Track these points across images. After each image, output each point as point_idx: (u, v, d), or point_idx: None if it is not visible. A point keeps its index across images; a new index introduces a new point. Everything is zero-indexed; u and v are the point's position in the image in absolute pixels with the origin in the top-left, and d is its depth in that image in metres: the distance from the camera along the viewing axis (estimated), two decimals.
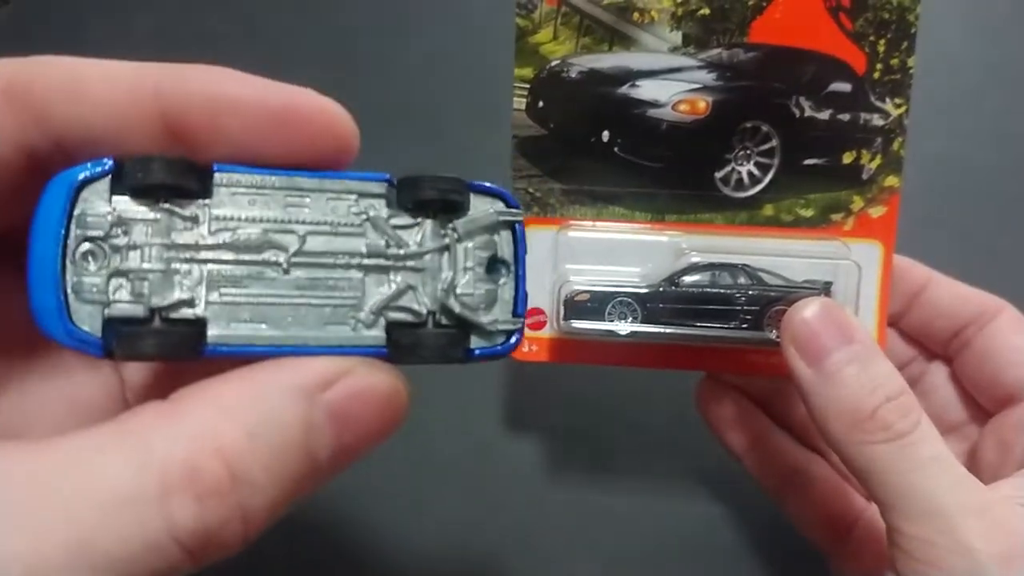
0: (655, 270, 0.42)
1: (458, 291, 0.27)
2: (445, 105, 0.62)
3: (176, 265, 0.25)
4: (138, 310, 0.24)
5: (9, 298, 0.27)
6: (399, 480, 0.54)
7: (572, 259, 0.43)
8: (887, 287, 0.42)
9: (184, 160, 0.25)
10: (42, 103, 0.25)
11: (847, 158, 0.42)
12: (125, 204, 0.25)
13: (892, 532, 0.34)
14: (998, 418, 0.42)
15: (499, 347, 0.28)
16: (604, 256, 0.43)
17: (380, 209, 0.27)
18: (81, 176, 0.24)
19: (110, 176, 0.24)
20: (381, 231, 0.27)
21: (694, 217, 0.43)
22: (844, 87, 0.42)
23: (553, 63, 0.43)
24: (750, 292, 0.41)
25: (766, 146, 0.42)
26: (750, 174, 0.42)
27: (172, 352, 0.24)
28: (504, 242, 0.28)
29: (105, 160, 0.24)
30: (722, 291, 0.41)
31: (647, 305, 0.41)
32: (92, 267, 0.24)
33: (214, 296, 0.25)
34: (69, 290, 0.24)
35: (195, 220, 0.25)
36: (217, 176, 0.25)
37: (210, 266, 0.25)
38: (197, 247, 0.25)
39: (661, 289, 0.42)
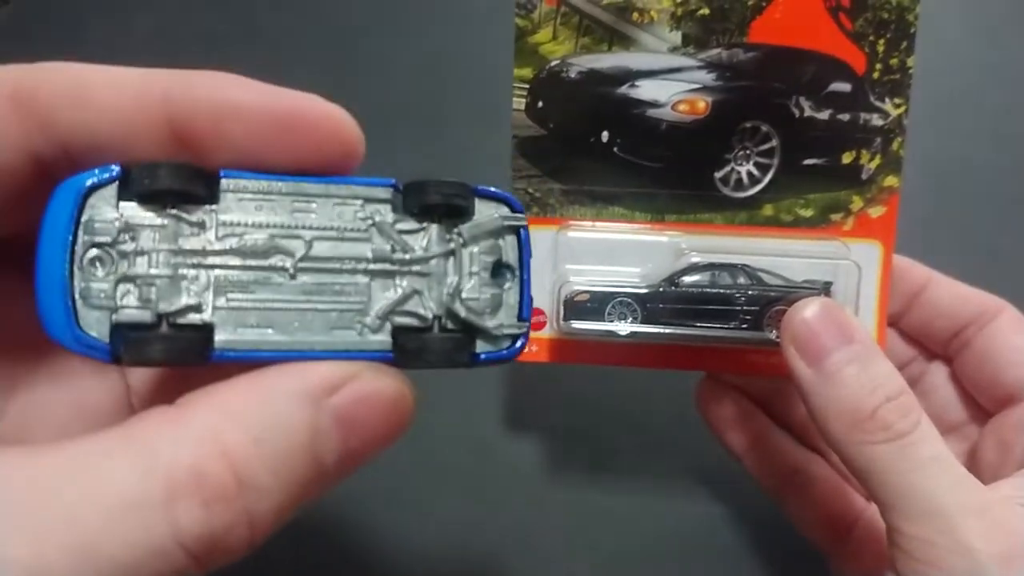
0: (655, 270, 0.42)
1: (463, 296, 0.27)
2: (445, 105, 0.62)
3: (183, 271, 0.25)
4: (145, 315, 0.24)
5: (17, 304, 0.27)
6: (399, 480, 0.54)
7: (572, 259, 0.43)
8: (887, 287, 0.42)
9: (191, 166, 0.25)
10: (48, 109, 0.25)
11: (847, 158, 0.42)
12: (132, 210, 0.25)
13: (892, 532, 0.34)
14: (998, 418, 0.42)
15: (505, 351, 0.28)
16: (604, 256, 0.43)
17: (386, 214, 0.27)
18: (88, 182, 0.24)
19: (117, 182, 0.25)
20: (387, 236, 0.27)
21: (694, 217, 0.43)
22: (844, 87, 0.42)
23: (553, 63, 0.43)
24: (750, 292, 0.41)
25: (766, 146, 0.42)
26: (750, 174, 0.42)
27: (179, 357, 0.25)
28: (509, 247, 0.28)
29: (112, 166, 0.24)
30: (722, 291, 0.41)
31: (647, 305, 0.41)
32: (100, 273, 0.24)
33: (221, 301, 0.25)
34: (77, 296, 0.24)
35: (202, 226, 0.25)
36: (224, 182, 0.25)
37: (217, 271, 0.25)
38: (204, 252, 0.25)
39: (661, 289, 0.42)
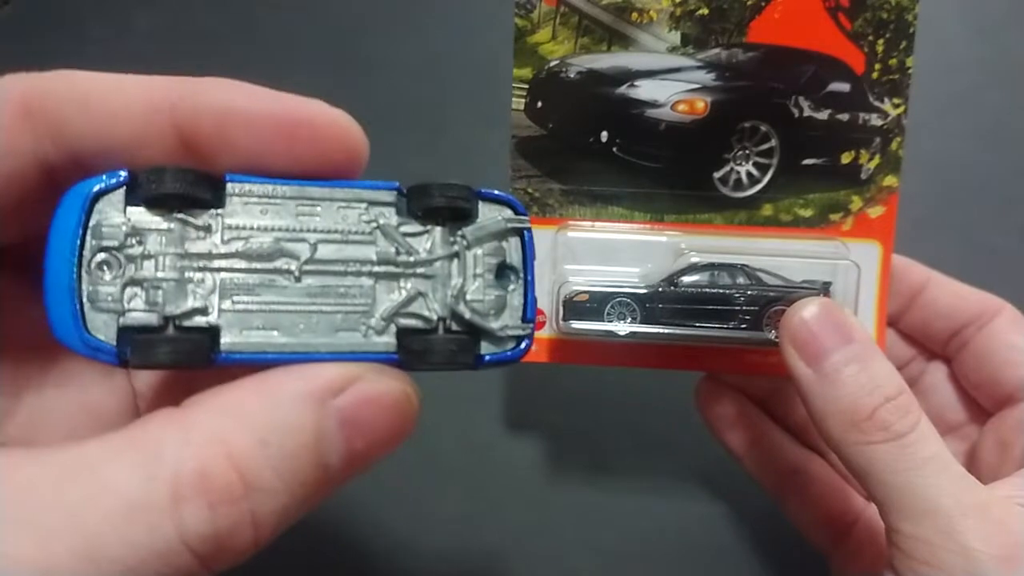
0: (654, 270, 0.43)
1: (468, 297, 0.28)
2: (444, 105, 0.62)
3: (190, 274, 0.25)
4: (152, 318, 0.25)
5: (26, 308, 0.27)
6: (399, 480, 0.54)
7: (571, 259, 0.43)
8: (886, 287, 0.42)
9: (196, 171, 0.25)
10: (57, 117, 0.25)
11: (846, 158, 0.42)
12: (139, 215, 0.25)
13: (891, 532, 0.34)
14: (997, 418, 0.42)
15: (509, 353, 0.28)
16: (603, 256, 0.43)
17: (390, 217, 0.27)
18: (96, 188, 0.24)
19: (124, 187, 0.25)
20: (391, 239, 0.27)
21: (693, 217, 0.43)
22: (843, 87, 0.42)
23: (552, 63, 0.43)
24: (749, 292, 0.41)
25: (765, 146, 0.42)
26: (749, 174, 0.42)
27: (185, 359, 0.25)
28: (513, 249, 0.29)
29: (120, 172, 0.25)
30: (721, 291, 0.41)
31: (646, 305, 0.41)
32: (107, 276, 0.25)
33: (227, 304, 0.25)
34: (84, 299, 0.24)
35: (208, 229, 0.26)
36: (229, 186, 0.26)
37: (223, 274, 0.26)
38: (210, 256, 0.25)
39: (660, 289, 0.42)
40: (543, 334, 0.43)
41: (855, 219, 0.42)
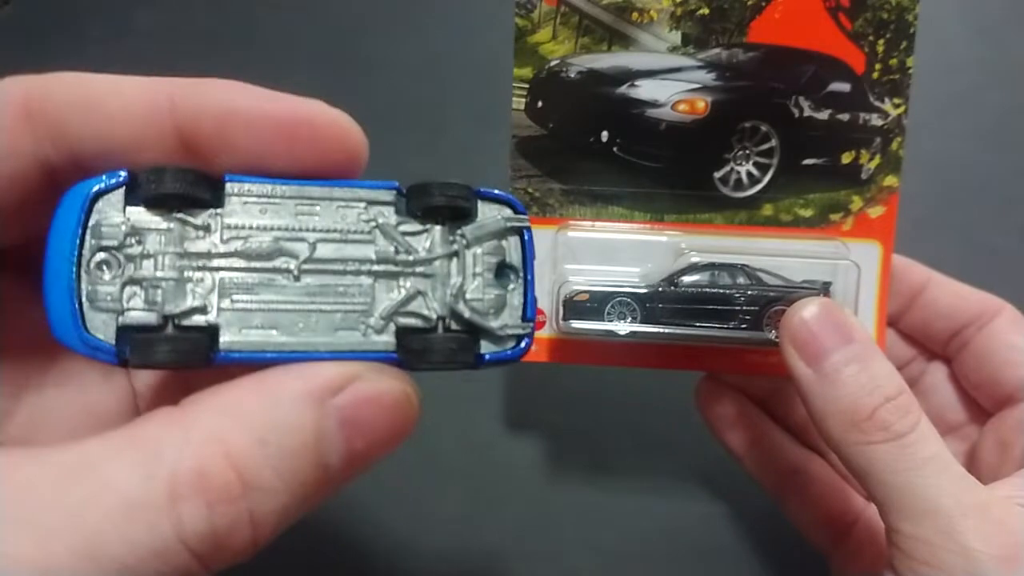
0: (654, 270, 0.43)
1: (467, 296, 0.28)
2: (444, 105, 0.62)
3: (189, 273, 0.25)
4: (151, 317, 0.25)
5: (26, 308, 0.27)
6: (399, 480, 0.54)
7: (571, 259, 0.43)
8: (886, 287, 0.42)
9: (196, 171, 0.25)
10: (57, 118, 0.25)
11: (846, 158, 0.42)
12: (139, 214, 0.25)
13: (891, 532, 0.34)
14: (997, 418, 0.42)
15: (509, 352, 0.28)
16: (603, 256, 0.43)
17: (389, 216, 0.27)
18: (96, 188, 0.25)
19: (124, 187, 0.25)
20: (390, 238, 0.27)
21: (693, 217, 0.43)
22: (843, 87, 0.42)
23: (552, 63, 0.43)
24: (749, 292, 0.41)
25: (765, 146, 0.42)
26: (749, 174, 0.42)
27: (185, 358, 0.25)
28: (512, 248, 0.29)
29: (119, 172, 0.25)
30: (721, 291, 0.41)
31: (646, 305, 0.41)
32: (107, 276, 0.25)
33: (226, 303, 0.25)
34: (84, 299, 0.24)
35: (207, 229, 0.26)
36: (228, 186, 0.26)
37: (222, 274, 0.26)
38: (209, 255, 0.25)
39: (660, 289, 0.42)
40: (543, 334, 0.43)
41: (855, 219, 0.42)
